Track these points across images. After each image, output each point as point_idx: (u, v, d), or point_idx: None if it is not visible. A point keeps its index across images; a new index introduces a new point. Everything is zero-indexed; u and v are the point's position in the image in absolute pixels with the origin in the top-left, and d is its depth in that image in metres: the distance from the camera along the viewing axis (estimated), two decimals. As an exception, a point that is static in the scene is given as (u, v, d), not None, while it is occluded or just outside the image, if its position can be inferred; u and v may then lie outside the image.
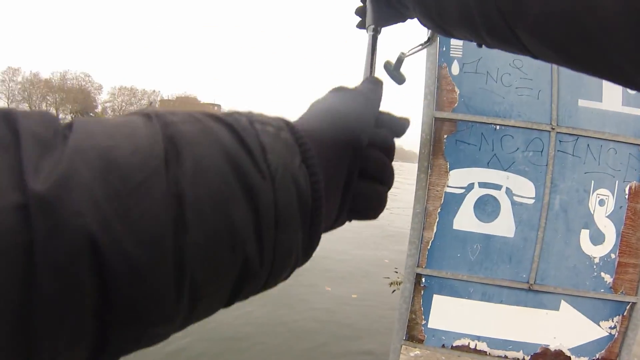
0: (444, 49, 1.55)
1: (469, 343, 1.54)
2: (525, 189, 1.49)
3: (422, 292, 1.52)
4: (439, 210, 1.49)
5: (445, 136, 1.50)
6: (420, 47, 0.51)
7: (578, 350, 1.57)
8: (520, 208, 1.49)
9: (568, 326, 1.55)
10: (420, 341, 1.55)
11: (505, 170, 1.48)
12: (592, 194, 1.51)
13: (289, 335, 3.55)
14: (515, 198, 1.49)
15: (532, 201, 1.49)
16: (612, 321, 1.56)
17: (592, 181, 1.51)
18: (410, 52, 0.51)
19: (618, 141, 1.52)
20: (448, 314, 1.53)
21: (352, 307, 4.24)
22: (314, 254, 0.25)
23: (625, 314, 1.56)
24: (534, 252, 1.49)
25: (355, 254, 6.19)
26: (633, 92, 1.56)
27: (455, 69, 1.54)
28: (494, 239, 1.49)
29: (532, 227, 1.49)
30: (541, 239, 1.49)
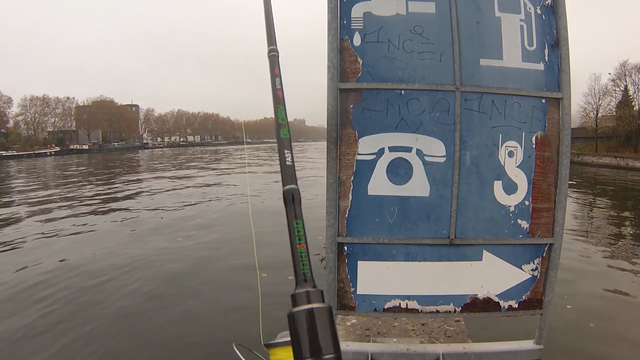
0: (345, 22, 1.54)
1: (399, 304, 1.59)
2: (435, 148, 1.51)
3: (346, 260, 1.55)
4: (352, 178, 1.50)
5: (351, 106, 1.51)
6: None
7: (505, 295, 1.64)
8: (432, 167, 1.52)
9: (493, 274, 1.61)
10: (352, 308, 1.59)
11: (413, 132, 1.50)
12: (501, 146, 1.56)
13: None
14: (427, 158, 1.51)
15: (443, 159, 1.52)
16: (533, 263, 1.64)
17: (500, 135, 1.55)
18: None
19: (521, 95, 1.56)
20: (375, 278, 1.56)
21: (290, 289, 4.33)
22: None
23: (544, 255, 1.64)
24: (450, 208, 1.53)
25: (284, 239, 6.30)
26: (531, 47, 1.60)
27: (357, 40, 1.54)
28: (410, 200, 1.52)
29: (446, 184, 1.53)
30: (456, 195, 1.53)
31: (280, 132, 0.45)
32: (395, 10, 1.55)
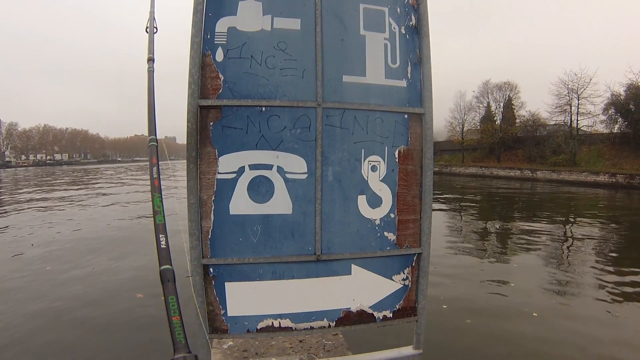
0: (209, 36, 1.52)
1: (272, 323, 1.57)
2: (296, 165, 1.53)
3: (213, 282, 1.51)
4: (213, 198, 1.48)
5: (211, 123, 1.49)
6: None
7: (378, 306, 1.68)
8: (294, 184, 1.53)
9: (364, 287, 1.65)
10: (225, 331, 1.55)
11: (274, 149, 1.51)
12: (364, 161, 1.61)
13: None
14: (288, 175, 1.53)
15: (305, 176, 1.54)
16: (404, 273, 1.70)
17: (363, 150, 1.61)
18: None
19: (383, 111, 1.63)
20: (245, 299, 1.54)
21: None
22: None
23: (414, 264, 1.71)
24: (315, 225, 1.55)
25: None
26: (394, 65, 1.68)
27: (219, 55, 1.52)
28: (272, 218, 1.52)
29: (308, 201, 1.54)
30: (320, 211, 1.55)
31: (156, 218, 0.45)
32: (260, 26, 1.56)
